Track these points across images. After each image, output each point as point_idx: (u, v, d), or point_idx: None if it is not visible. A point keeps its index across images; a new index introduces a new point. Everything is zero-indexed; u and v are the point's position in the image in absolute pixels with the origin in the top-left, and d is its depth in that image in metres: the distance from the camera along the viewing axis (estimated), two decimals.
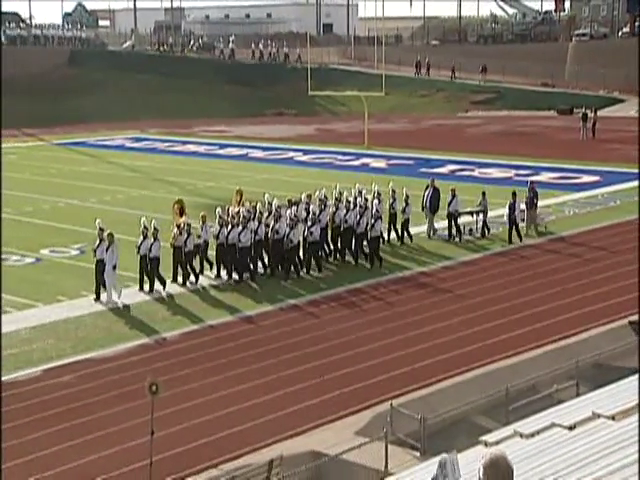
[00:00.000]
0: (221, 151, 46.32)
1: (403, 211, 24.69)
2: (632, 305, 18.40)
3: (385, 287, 20.90)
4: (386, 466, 12.08)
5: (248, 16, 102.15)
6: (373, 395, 14.64)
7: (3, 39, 71.47)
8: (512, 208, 24.91)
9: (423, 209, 25.86)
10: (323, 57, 72.36)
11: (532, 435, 9.79)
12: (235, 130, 55.39)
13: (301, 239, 21.99)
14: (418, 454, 12.59)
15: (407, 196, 24.85)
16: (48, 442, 13.15)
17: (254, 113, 62.95)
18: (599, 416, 10.04)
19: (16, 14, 79.76)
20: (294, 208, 22.49)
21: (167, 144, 49.52)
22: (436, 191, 25.73)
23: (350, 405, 14.33)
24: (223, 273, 21.61)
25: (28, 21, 79.83)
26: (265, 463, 12.02)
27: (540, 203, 26.67)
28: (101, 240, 19.89)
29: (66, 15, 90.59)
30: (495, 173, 36.85)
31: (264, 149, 46.20)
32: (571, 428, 9.82)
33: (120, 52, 77.48)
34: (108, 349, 16.95)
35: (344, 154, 43.25)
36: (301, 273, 21.82)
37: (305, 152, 44.63)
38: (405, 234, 24.84)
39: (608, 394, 10.90)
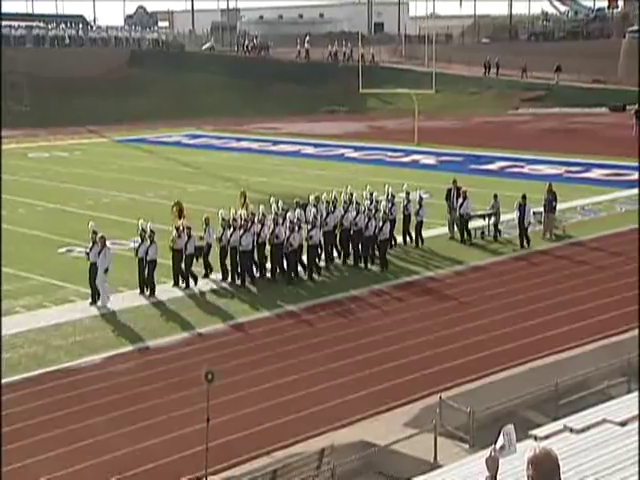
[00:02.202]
0: (274, 148, 46.68)
1: (417, 213, 24.11)
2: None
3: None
4: (435, 458, 12.18)
5: (301, 16, 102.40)
6: (423, 388, 14.72)
7: (68, 41, 72.94)
8: (522, 211, 24.08)
9: (451, 211, 25.19)
10: (374, 56, 72.25)
11: (582, 430, 9.84)
12: (288, 127, 55.62)
13: (303, 242, 21.34)
14: (467, 447, 12.65)
15: (421, 198, 24.41)
16: (108, 427, 13.47)
17: (306, 111, 63.16)
18: None
19: (81, 16, 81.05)
20: (298, 211, 21.96)
21: (222, 141, 50.01)
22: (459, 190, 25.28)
23: (400, 397, 14.41)
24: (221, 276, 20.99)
25: (92, 23, 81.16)
26: (316, 452, 12.22)
27: (591, 200, 26.20)
28: (94, 243, 19.51)
29: (128, 17, 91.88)
30: (545, 170, 36.49)
31: (316, 146, 46.41)
32: (622, 424, 9.84)
33: (199, 54, 77.98)
34: (165, 339, 17.34)
35: (394, 151, 43.33)
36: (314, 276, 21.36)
37: (356, 149, 44.76)
38: (414, 237, 24.21)
39: None
